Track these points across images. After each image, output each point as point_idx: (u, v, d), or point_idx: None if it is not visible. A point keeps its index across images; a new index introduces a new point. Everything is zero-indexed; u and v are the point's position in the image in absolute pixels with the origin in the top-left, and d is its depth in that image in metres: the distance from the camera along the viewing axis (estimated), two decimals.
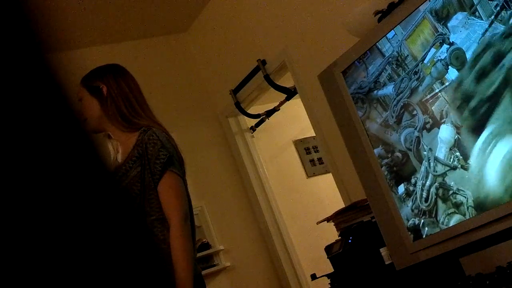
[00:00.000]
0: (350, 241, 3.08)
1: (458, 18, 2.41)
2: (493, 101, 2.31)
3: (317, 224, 3.53)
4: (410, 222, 2.69)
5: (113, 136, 2.56)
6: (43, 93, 0.50)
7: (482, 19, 2.33)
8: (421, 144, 2.62)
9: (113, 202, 0.52)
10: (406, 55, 2.64)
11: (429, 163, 2.59)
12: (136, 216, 0.58)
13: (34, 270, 0.47)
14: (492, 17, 2.29)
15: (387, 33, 2.70)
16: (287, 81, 4.51)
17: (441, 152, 2.54)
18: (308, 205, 5.20)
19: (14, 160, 0.47)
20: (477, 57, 2.36)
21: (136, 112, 2.53)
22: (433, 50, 2.53)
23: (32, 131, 0.49)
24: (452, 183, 2.50)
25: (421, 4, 2.53)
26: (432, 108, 2.56)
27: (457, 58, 2.44)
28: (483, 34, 2.32)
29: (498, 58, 2.28)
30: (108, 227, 0.51)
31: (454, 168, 2.49)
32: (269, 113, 5.02)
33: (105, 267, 0.49)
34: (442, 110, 2.52)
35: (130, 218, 0.54)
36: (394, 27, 2.67)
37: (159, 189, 2.39)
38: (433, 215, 2.60)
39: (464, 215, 2.47)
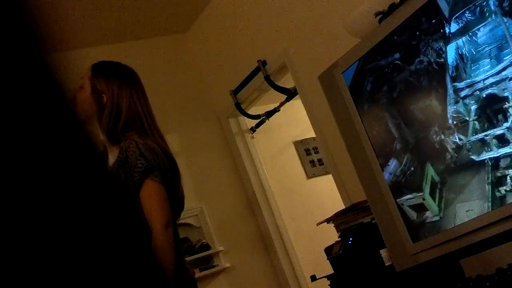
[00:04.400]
0: (350, 242, 3.08)
1: None
2: None
3: (317, 225, 3.53)
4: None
5: (100, 138, 2.52)
6: (43, 93, 0.50)
7: None
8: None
9: (111, 201, 0.52)
10: None
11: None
12: (134, 214, 0.57)
13: (31, 268, 0.46)
14: None
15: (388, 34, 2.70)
16: (287, 82, 4.51)
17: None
18: (308, 206, 5.20)
19: (13, 159, 0.47)
20: None
21: (122, 131, 2.45)
22: None
23: (31, 131, 0.48)
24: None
25: (422, 5, 2.53)
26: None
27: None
28: None
29: None
30: (106, 225, 0.50)
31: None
32: (269, 114, 5.02)
33: (101, 266, 0.49)
34: None
35: (130, 217, 0.54)
36: (395, 28, 2.67)
37: (140, 198, 2.37)
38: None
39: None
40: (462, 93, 2.45)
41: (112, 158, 2.46)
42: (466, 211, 2.50)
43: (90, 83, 2.54)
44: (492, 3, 2.30)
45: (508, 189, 2.33)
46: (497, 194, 2.37)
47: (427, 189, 2.64)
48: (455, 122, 2.50)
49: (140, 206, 2.36)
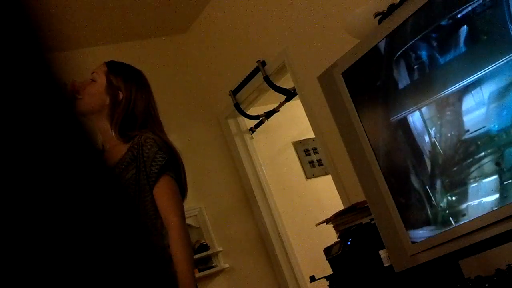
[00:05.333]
0: (349, 243, 3.08)
1: None
2: None
3: (316, 226, 3.53)
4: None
5: (101, 133, 2.51)
6: (44, 92, 0.50)
7: None
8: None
9: (112, 200, 0.52)
10: None
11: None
12: (135, 215, 0.57)
13: (33, 268, 0.46)
14: None
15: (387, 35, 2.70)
16: (286, 83, 4.51)
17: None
18: (307, 207, 5.20)
19: (13, 158, 0.47)
20: None
21: (133, 129, 2.47)
22: None
23: (31, 130, 0.48)
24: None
25: (421, 5, 2.53)
26: None
27: None
28: None
29: None
30: (108, 225, 0.50)
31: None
32: (269, 114, 5.02)
33: (104, 267, 0.49)
34: None
35: (130, 216, 0.54)
36: (394, 29, 2.67)
37: (156, 192, 2.36)
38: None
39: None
40: (456, 95, 2.45)
41: (115, 155, 2.45)
42: (466, 211, 2.50)
43: (106, 78, 2.52)
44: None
45: (508, 189, 2.33)
46: (497, 194, 2.37)
47: (426, 189, 2.64)
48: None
49: (153, 200, 2.36)
